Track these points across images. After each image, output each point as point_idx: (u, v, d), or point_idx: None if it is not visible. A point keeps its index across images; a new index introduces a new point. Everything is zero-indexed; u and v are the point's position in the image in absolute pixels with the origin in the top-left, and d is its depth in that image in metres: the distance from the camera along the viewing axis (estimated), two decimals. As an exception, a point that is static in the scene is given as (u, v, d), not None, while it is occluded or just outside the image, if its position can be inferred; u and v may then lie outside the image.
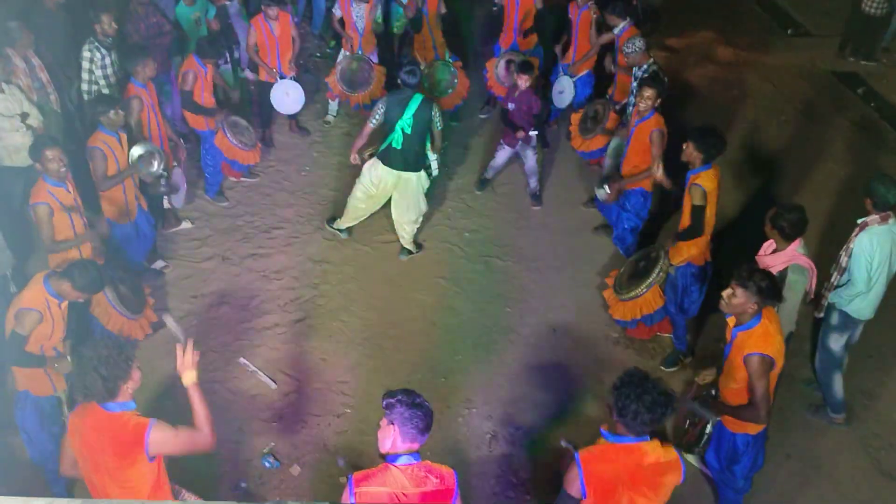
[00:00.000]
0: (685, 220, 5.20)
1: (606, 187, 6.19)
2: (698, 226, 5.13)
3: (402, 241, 6.60)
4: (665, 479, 3.20)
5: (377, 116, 6.11)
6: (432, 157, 6.45)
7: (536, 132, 6.93)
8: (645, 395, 3.10)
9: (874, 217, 4.72)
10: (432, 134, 6.25)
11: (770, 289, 3.82)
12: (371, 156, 6.35)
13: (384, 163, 6.23)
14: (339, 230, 6.73)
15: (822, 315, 5.07)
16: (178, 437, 3.27)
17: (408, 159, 6.19)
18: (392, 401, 3.08)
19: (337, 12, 7.68)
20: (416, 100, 6.02)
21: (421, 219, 6.56)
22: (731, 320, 4.01)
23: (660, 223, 6.86)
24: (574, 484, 3.18)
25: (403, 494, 3.05)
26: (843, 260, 4.84)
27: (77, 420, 3.34)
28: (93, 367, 3.18)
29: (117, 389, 3.24)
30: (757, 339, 3.83)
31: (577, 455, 3.20)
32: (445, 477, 3.12)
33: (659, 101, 5.82)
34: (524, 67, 6.82)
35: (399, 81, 6.13)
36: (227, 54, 7.64)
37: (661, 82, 5.95)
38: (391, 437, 3.08)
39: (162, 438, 3.24)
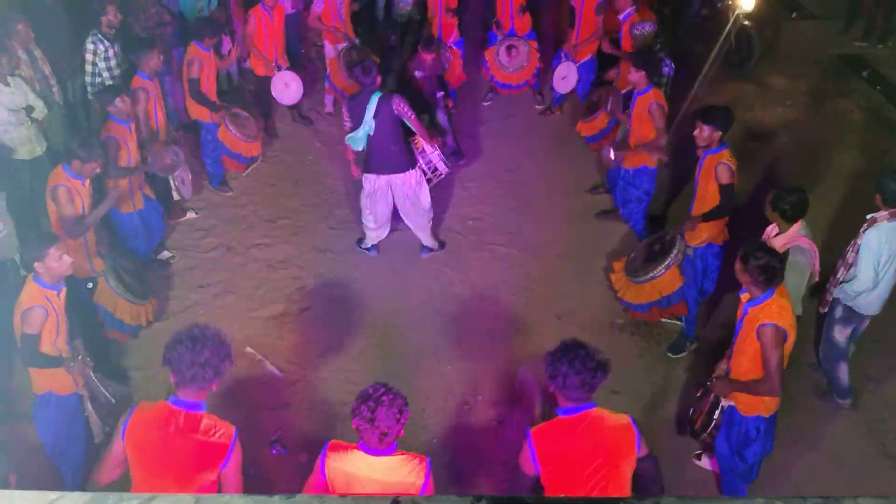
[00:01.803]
0: (708, 200, 5.15)
1: (612, 149, 6.17)
2: (729, 204, 5.09)
3: (421, 240, 6.47)
4: (617, 442, 3.19)
5: (347, 122, 5.95)
6: (431, 153, 6.21)
7: (443, 93, 7.23)
8: (575, 360, 3.13)
9: (883, 213, 4.66)
10: (413, 127, 5.98)
11: (764, 268, 3.86)
12: None
13: (366, 171, 6.03)
14: (367, 249, 6.49)
15: (826, 310, 5.06)
16: (239, 469, 3.20)
17: (385, 161, 5.93)
18: (354, 408, 3.08)
19: (318, 8, 7.53)
20: (374, 98, 5.75)
21: (429, 218, 6.34)
22: (744, 296, 4.06)
23: (668, 205, 6.87)
24: (527, 461, 3.20)
25: (369, 480, 3.08)
26: (850, 256, 4.78)
27: (142, 419, 3.13)
28: (200, 363, 3.05)
29: (209, 386, 3.13)
30: (769, 311, 3.89)
31: (528, 432, 3.22)
32: (417, 468, 3.13)
33: (648, 77, 5.85)
34: (427, 45, 6.98)
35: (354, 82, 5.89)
36: (232, 43, 7.64)
37: (648, 62, 5.93)
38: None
39: (238, 455, 3.16)
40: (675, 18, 9.15)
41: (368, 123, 5.74)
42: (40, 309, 4.02)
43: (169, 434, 3.09)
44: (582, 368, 3.12)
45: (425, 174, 6.24)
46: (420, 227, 6.33)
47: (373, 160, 5.97)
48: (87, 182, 4.97)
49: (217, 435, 3.12)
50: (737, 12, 6.96)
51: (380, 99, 5.75)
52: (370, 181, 6.05)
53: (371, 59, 6.10)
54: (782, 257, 4.04)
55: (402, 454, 3.16)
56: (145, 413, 3.16)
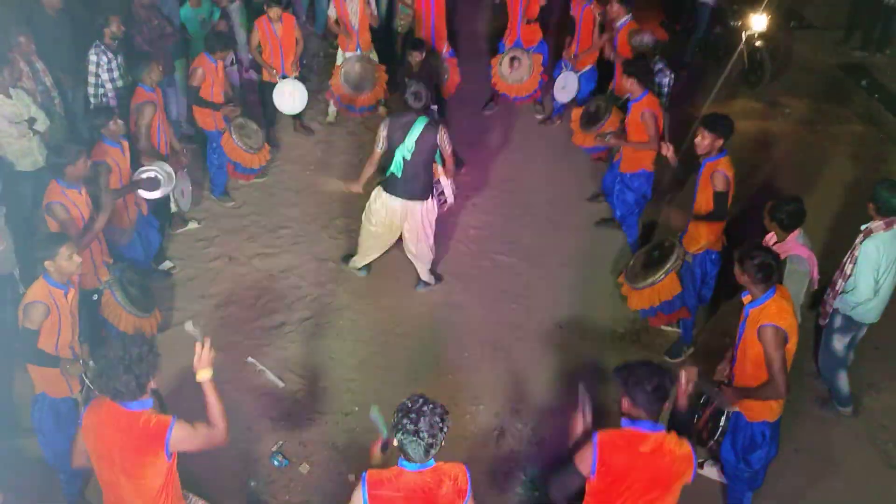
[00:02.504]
0: (705, 205, 5.20)
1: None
2: (722, 211, 5.16)
3: (419, 272, 6.24)
4: (677, 472, 3.24)
5: (381, 141, 5.63)
6: (445, 183, 6.05)
7: (436, 105, 7.24)
8: (652, 376, 3.25)
9: (878, 223, 4.68)
10: (443, 158, 5.83)
11: (759, 266, 3.90)
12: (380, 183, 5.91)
13: (387, 191, 5.76)
14: (356, 268, 6.31)
15: (825, 322, 5.07)
16: (196, 434, 3.34)
17: (411, 188, 5.69)
18: (396, 422, 3.08)
19: (332, 12, 7.62)
20: (420, 123, 5.52)
21: (431, 251, 6.09)
22: (745, 299, 4.09)
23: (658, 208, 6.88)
24: (586, 462, 3.23)
25: (419, 500, 3.07)
26: (848, 267, 4.80)
27: (92, 418, 3.35)
28: (125, 368, 3.20)
29: (146, 388, 3.29)
30: (769, 312, 3.92)
31: (595, 435, 3.24)
32: (458, 477, 3.15)
33: (640, 83, 5.90)
34: (415, 46, 7.01)
35: (404, 103, 5.68)
36: (234, 55, 7.68)
37: (638, 68, 5.95)
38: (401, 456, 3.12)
39: (182, 436, 3.30)
40: (687, 36, 9.19)
41: (409, 147, 5.56)
42: (41, 305, 4.05)
43: (109, 425, 3.29)
44: (657, 386, 3.23)
45: (438, 201, 6.09)
46: (418, 257, 6.12)
47: (399, 183, 5.71)
48: (83, 190, 4.94)
49: (153, 423, 3.28)
50: (749, 32, 6.92)
51: (427, 124, 5.55)
52: (387, 201, 5.80)
53: (415, 84, 5.90)
54: (778, 255, 4.08)
55: (441, 463, 3.16)
56: (93, 409, 3.37)
